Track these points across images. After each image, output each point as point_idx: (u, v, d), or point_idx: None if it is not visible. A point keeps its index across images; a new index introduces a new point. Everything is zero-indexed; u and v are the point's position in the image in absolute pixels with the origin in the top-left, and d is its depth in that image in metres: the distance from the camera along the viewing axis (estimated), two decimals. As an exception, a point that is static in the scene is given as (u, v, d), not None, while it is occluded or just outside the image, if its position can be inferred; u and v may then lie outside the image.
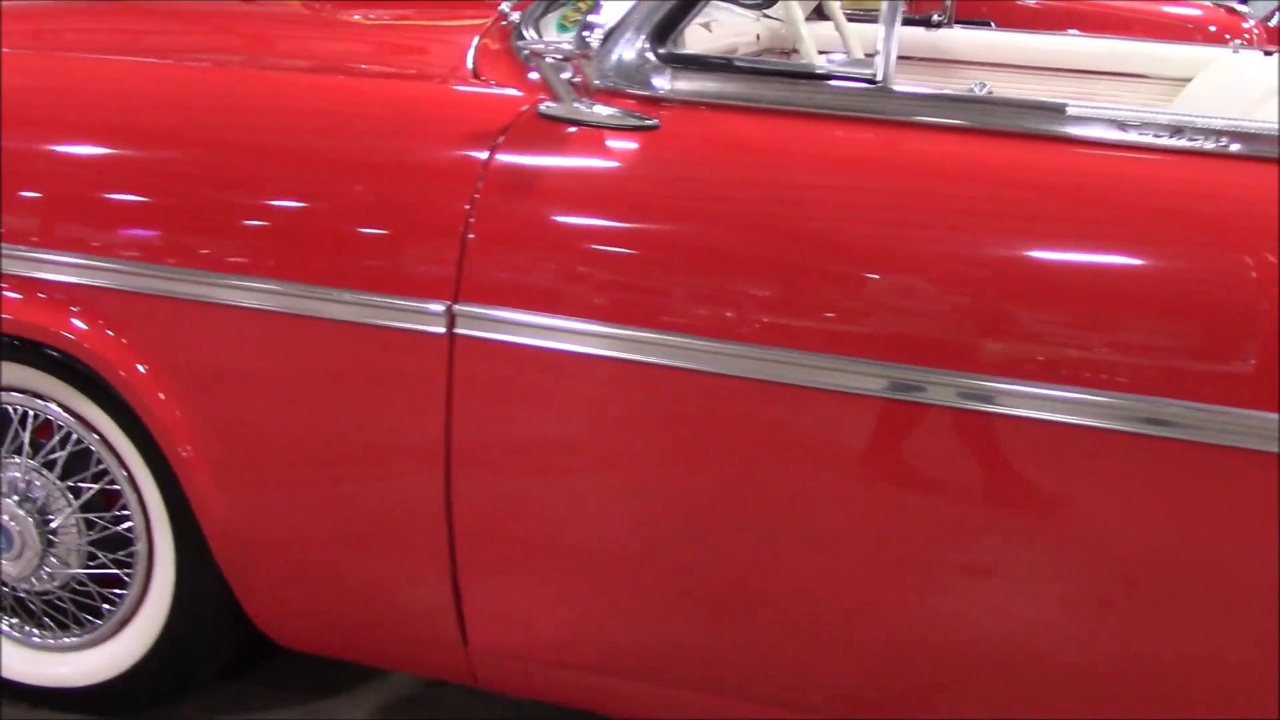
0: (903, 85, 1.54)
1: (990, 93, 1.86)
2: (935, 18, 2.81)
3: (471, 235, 1.52)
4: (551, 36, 1.66)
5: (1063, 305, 1.37)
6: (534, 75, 1.60)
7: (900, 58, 2.83)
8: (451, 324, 1.54)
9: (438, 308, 1.53)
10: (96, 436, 1.79)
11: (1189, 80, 2.30)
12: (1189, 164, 1.40)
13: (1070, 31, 3.41)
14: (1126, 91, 2.63)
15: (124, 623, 1.88)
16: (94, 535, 1.84)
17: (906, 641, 1.49)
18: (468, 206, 1.52)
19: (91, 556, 1.85)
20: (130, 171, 1.67)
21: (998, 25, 3.17)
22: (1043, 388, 1.35)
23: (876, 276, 1.43)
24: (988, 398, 1.37)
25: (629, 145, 1.52)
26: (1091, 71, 2.74)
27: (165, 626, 1.86)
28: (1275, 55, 2.31)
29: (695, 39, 2.07)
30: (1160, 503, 1.37)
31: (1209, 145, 1.39)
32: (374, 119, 1.61)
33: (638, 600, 1.62)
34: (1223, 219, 1.38)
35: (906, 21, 2.83)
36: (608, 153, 1.52)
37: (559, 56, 1.48)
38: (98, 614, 1.89)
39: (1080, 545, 1.39)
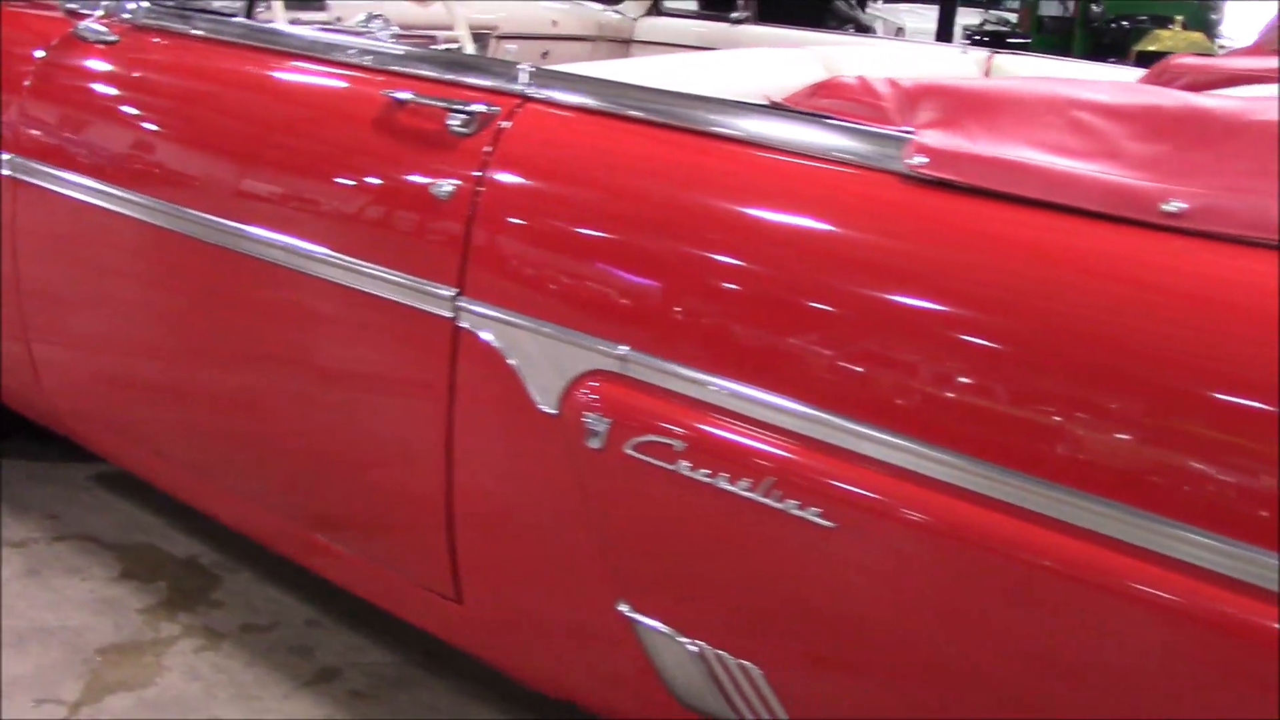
0: (262, 23, 2.12)
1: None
2: (735, 15, 3.18)
3: (18, 108, 2.30)
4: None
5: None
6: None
7: (703, 48, 3.29)
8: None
9: (5, 157, 2.33)
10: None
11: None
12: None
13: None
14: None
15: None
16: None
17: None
18: (26, 85, 2.31)
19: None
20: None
21: None
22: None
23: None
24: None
25: (101, 52, 2.23)
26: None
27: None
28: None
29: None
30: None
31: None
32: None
33: (125, 380, 2.30)
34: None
35: (711, 17, 3.24)
36: (87, 57, 2.24)
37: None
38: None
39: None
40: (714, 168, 1.51)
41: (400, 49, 1.86)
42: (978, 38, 9.94)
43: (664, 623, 1.54)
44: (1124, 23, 8.17)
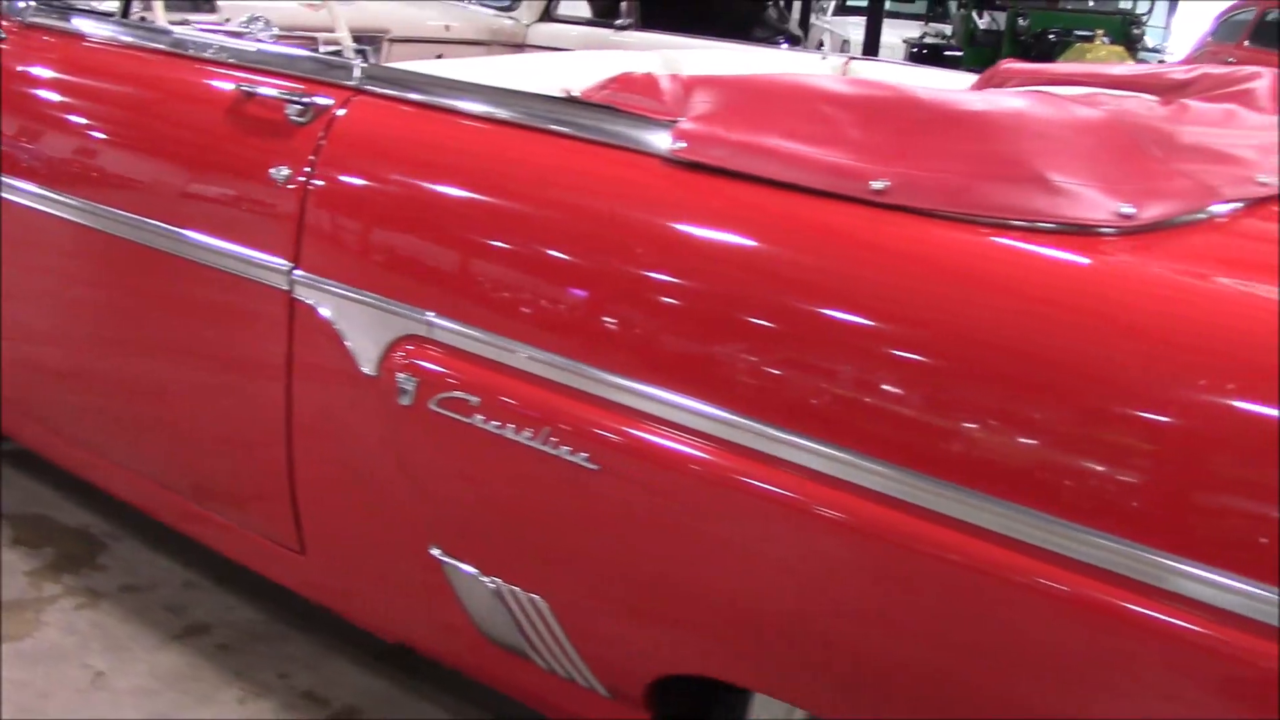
0: (140, 23, 2.27)
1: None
2: (619, 22, 3.37)
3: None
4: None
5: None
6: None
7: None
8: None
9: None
10: None
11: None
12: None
13: None
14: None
15: None
16: None
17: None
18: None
19: None
20: None
21: None
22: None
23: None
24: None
25: (-9, 49, 2.39)
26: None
27: None
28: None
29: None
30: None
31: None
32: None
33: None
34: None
35: (596, 23, 3.42)
36: (-18, 53, 2.40)
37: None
38: None
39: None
40: (511, 151, 1.68)
41: (254, 47, 2.02)
42: (917, 50, 10.18)
43: (469, 563, 1.71)
44: (1050, 36, 8.43)
